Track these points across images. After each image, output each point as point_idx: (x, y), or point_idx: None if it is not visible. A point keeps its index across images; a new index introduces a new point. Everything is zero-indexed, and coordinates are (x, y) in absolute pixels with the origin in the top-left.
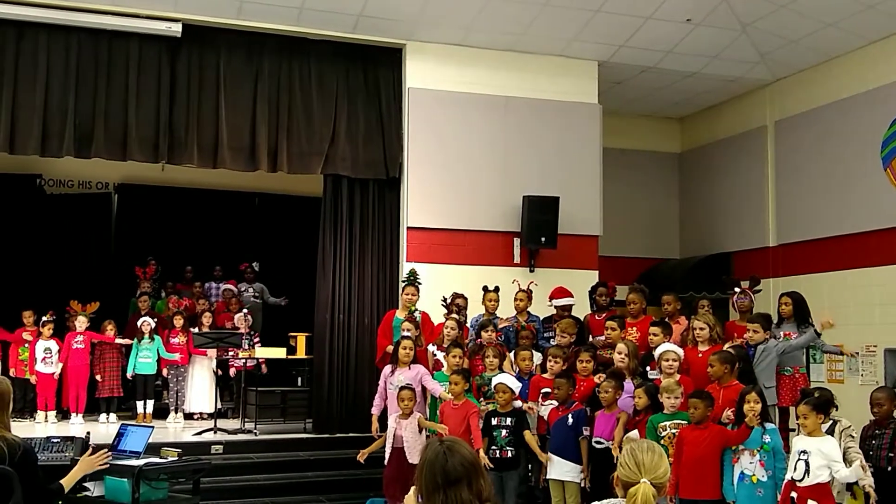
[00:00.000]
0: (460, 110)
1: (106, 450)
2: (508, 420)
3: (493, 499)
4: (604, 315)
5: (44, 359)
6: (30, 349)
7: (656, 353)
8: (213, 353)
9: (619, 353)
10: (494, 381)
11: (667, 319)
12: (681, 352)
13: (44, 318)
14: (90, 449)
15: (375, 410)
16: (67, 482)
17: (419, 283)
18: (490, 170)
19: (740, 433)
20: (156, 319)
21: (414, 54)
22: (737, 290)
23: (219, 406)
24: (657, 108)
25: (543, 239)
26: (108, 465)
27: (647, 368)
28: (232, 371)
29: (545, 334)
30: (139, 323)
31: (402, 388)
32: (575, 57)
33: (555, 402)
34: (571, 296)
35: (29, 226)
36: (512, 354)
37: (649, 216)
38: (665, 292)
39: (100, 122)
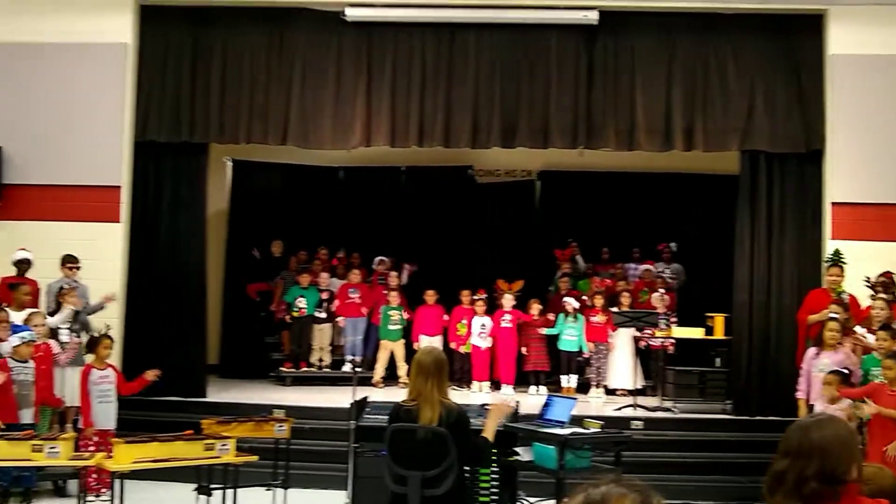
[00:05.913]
0: (890, 75)
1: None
2: None
3: None
4: None
5: (479, 333)
6: (467, 325)
7: None
8: (631, 331)
9: None
10: None
11: None
12: None
13: (476, 297)
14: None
15: (801, 395)
16: (489, 434)
17: (844, 264)
18: None
19: None
20: (584, 299)
21: (837, 19)
22: None
23: (641, 384)
24: None
25: None
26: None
27: None
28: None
29: None
30: (563, 302)
31: (828, 373)
32: None
33: None
34: None
35: (462, 212)
36: None
37: None
38: None
39: (523, 112)
